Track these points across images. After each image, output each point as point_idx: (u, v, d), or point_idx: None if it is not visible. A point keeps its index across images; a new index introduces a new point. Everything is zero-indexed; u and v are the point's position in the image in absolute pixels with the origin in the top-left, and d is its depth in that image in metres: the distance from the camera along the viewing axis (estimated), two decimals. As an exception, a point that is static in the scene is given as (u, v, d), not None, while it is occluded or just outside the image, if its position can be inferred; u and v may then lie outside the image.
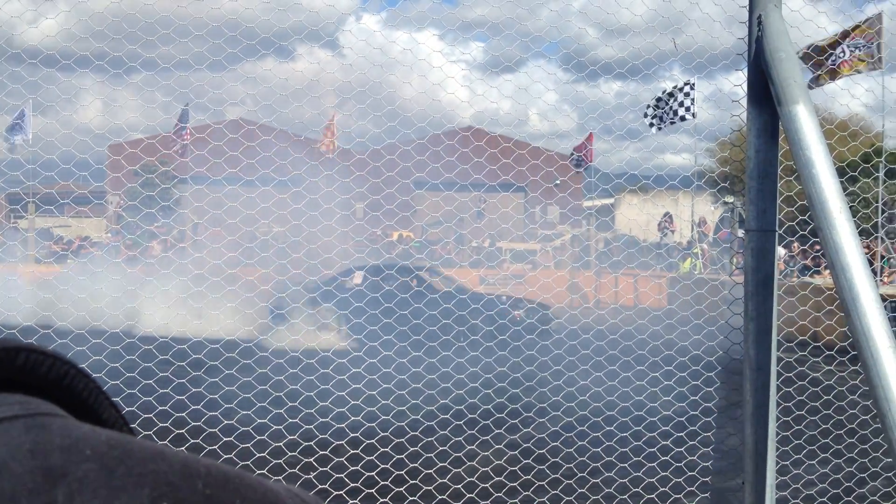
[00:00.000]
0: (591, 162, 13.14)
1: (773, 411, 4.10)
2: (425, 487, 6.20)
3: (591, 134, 12.51)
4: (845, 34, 9.59)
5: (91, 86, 6.78)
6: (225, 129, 6.17)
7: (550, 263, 24.57)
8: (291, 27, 6.72)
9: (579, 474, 6.64)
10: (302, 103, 6.83)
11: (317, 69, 6.76)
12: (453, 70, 6.79)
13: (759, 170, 4.13)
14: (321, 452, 5.93)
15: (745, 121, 4.23)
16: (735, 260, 22.56)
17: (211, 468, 0.50)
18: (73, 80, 6.39)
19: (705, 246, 25.16)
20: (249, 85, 7.16)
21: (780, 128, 3.96)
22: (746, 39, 4.20)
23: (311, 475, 5.72)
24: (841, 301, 3.25)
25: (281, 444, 5.98)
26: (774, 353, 4.05)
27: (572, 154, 13.00)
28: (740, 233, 24.11)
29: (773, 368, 4.06)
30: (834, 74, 9.67)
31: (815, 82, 9.46)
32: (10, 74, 5.78)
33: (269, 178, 6.38)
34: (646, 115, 9.83)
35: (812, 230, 3.97)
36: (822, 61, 9.11)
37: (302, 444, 6.15)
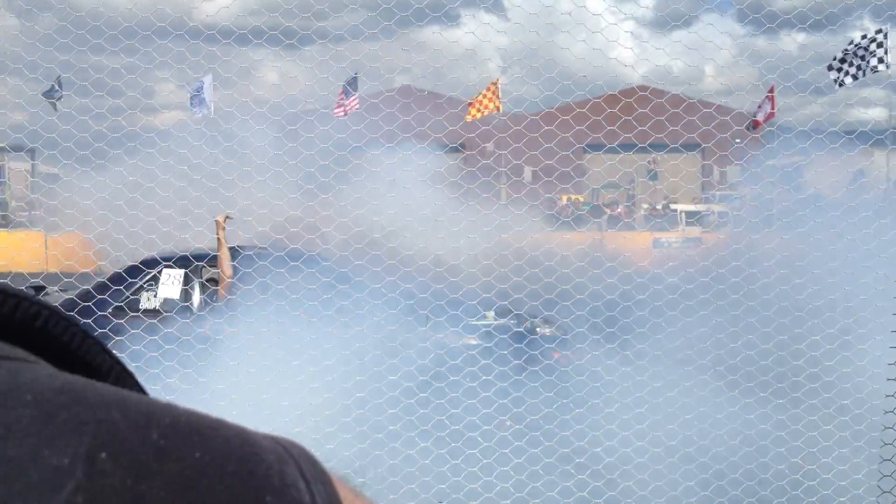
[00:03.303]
0: (773, 117, 12.46)
1: None
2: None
3: (772, 87, 11.86)
4: None
5: (265, 57, 6.98)
6: (396, 96, 6.21)
7: (729, 224, 23.65)
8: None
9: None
10: (468, 67, 6.78)
11: (481, 33, 6.67)
12: (622, 28, 6.56)
13: None
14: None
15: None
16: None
17: (180, 417, 0.45)
18: (247, 52, 6.59)
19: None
20: (416, 52, 7.19)
21: None
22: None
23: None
24: None
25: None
26: None
27: (750, 121, 12.34)
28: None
29: None
30: None
31: None
32: (189, 47, 6.01)
33: (441, 142, 6.40)
34: (830, 69, 9.23)
35: None
36: None
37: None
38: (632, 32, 7.49)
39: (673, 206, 27.85)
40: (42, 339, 0.51)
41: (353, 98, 8.79)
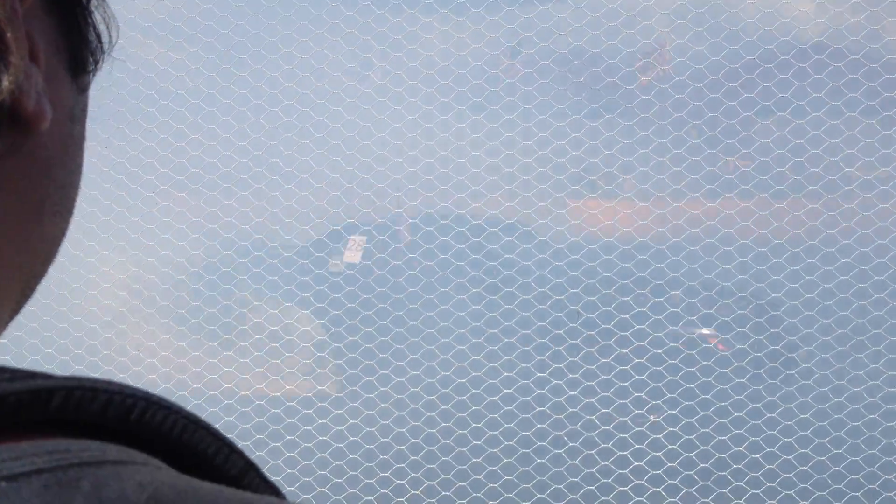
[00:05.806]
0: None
1: None
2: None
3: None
4: None
5: (427, 25, 7.02)
6: (552, 64, 6.11)
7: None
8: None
9: None
10: (630, 32, 6.67)
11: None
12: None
13: None
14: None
15: None
16: None
17: None
18: (402, 22, 6.64)
19: None
20: (575, 17, 7.09)
21: None
22: None
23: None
24: None
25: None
26: None
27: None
28: None
29: None
30: None
31: None
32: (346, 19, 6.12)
33: (599, 112, 6.27)
34: None
35: None
36: None
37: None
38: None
39: (845, 170, 26.66)
40: (145, 431, 0.51)
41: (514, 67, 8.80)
